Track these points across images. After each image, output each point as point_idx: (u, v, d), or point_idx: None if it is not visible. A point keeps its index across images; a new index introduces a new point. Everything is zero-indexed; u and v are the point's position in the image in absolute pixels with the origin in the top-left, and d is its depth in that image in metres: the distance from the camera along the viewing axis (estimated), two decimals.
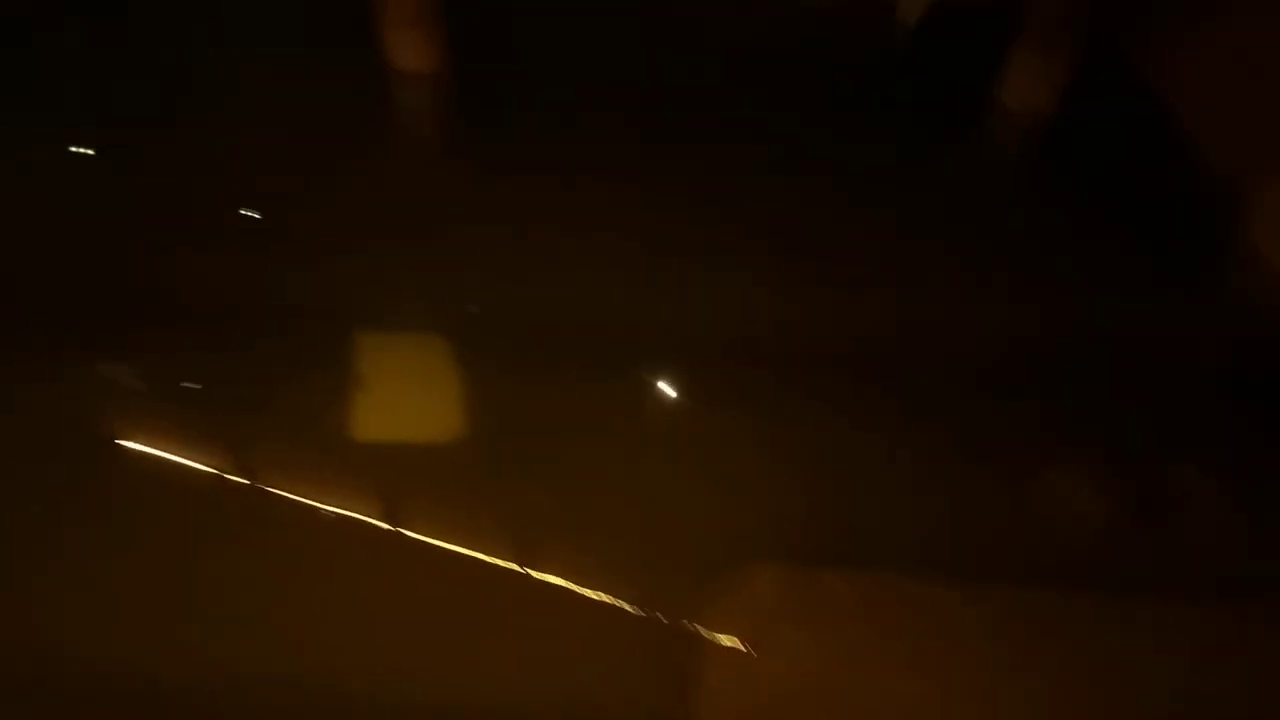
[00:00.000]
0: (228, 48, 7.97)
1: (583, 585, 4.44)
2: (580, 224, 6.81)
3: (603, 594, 4.34)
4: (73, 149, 6.49)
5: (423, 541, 5.35)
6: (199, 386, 5.74)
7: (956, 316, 5.32)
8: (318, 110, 7.69)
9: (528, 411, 6.02)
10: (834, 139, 6.66)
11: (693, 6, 8.07)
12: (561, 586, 4.65)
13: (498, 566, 5.23)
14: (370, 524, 5.30)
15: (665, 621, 4.02)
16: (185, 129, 7.19)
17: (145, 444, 5.61)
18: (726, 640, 3.73)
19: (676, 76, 7.33)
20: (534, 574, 4.63)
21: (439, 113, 7.99)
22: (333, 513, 5.23)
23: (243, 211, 6.99)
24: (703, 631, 3.89)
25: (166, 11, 8.14)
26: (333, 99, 7.80)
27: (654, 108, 6.94)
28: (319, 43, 8.17)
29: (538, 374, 6.02)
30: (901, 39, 7.88)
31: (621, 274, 6.03)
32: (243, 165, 7.21)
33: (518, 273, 6.73)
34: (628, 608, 4.16)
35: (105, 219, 6.48)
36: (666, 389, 5.47)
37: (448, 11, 7.67)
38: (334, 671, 4.30)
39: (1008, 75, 6.86)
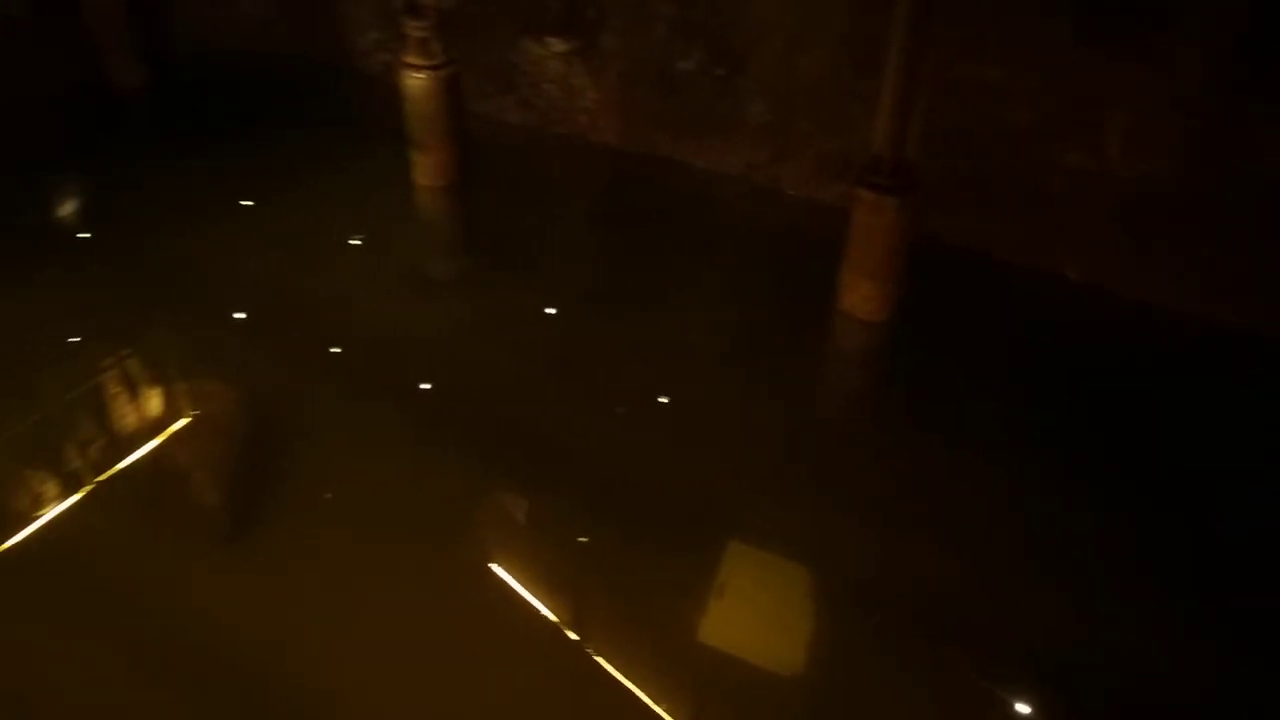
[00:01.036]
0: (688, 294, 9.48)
1: None
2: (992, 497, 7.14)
3: None
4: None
5: None
6: (585, 539, 6.50)
7: None
8: (767, 347, 8.75)
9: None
10: None
11: None
12: None
13: None
14: None
15: None
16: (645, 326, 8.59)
17: (515, 573, 6.32)
18: None
19: None
20: None
21: (878, 357, 8.49)
22: (647, 704, 5.48)
23: (660, 398, 7.99)
24: None
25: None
26: (783, 336, 8.88)
27: None
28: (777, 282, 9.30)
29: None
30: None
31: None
32: (674, 372, 8.32)
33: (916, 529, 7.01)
34: None
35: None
36: None
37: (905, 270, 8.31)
38: None
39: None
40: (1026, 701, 5.58)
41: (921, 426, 7.56)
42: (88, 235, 9.92)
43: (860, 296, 8.42)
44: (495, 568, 6.40)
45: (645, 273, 9.43)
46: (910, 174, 7.90)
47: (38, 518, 6.61)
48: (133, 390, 7.47)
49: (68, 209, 10.58)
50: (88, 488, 6.80)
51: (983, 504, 6.85)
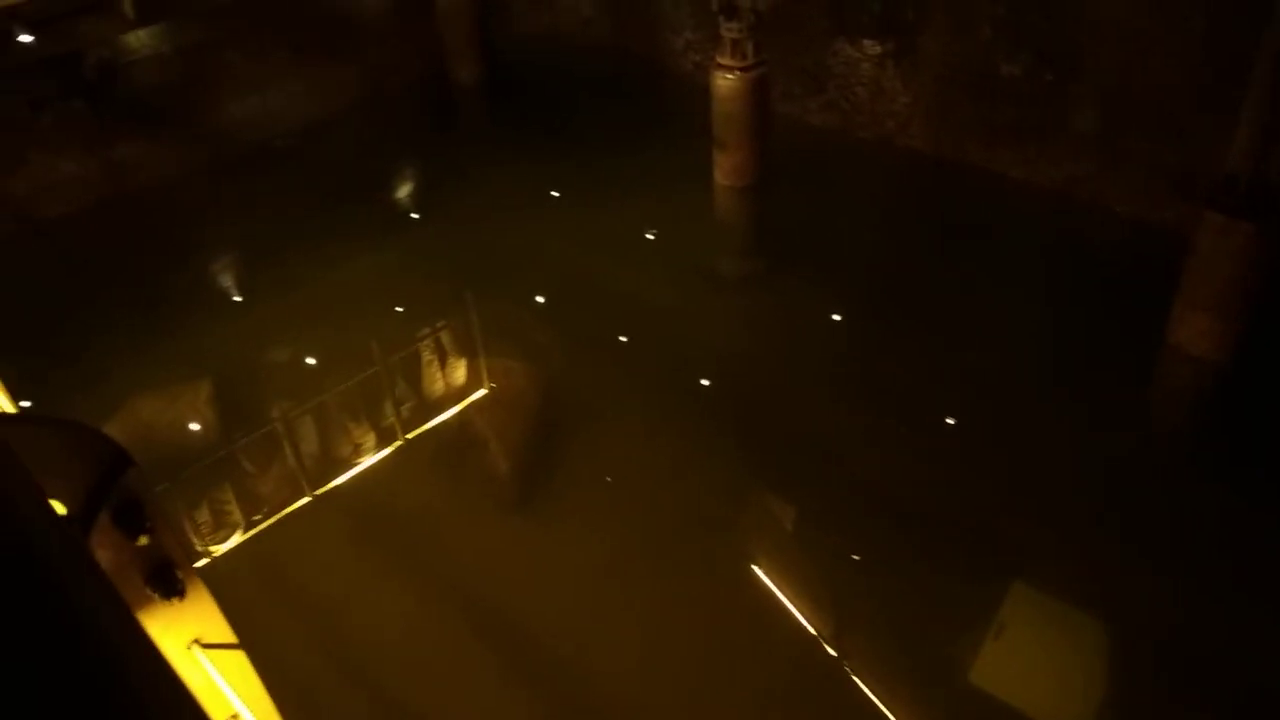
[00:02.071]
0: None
1: None
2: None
3: None
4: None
5: None
6: (856, 556, 6.27)
7: None
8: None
9: None
10: None
11: None
12: None
13: None
14: None
15: None
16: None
17: (778, 577, 6.21)
18: None
19: None
20: None
21: (1207, 401, 7.52)
22: None
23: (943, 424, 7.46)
24: None
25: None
26: (1096, 367, 8.01)
27: None
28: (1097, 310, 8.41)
29: None
30: None
31: None
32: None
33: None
34: None
35: None
36: None
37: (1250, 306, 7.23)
38: None
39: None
40: None
41: (1249, 482, 6.63)
42: (418, 216, 10.98)
43: (1195, 331, 7.49)
44: (758, 569, 6.34)
45: (944, 286, 8.96)
46: (1272, 197, 6.92)
47: (356, 464, 7.39)
48: (442, 360, 8.14)
49: (404, 191, 11.75)
50: (398, 443, 7.50)
51: None
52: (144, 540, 1.58)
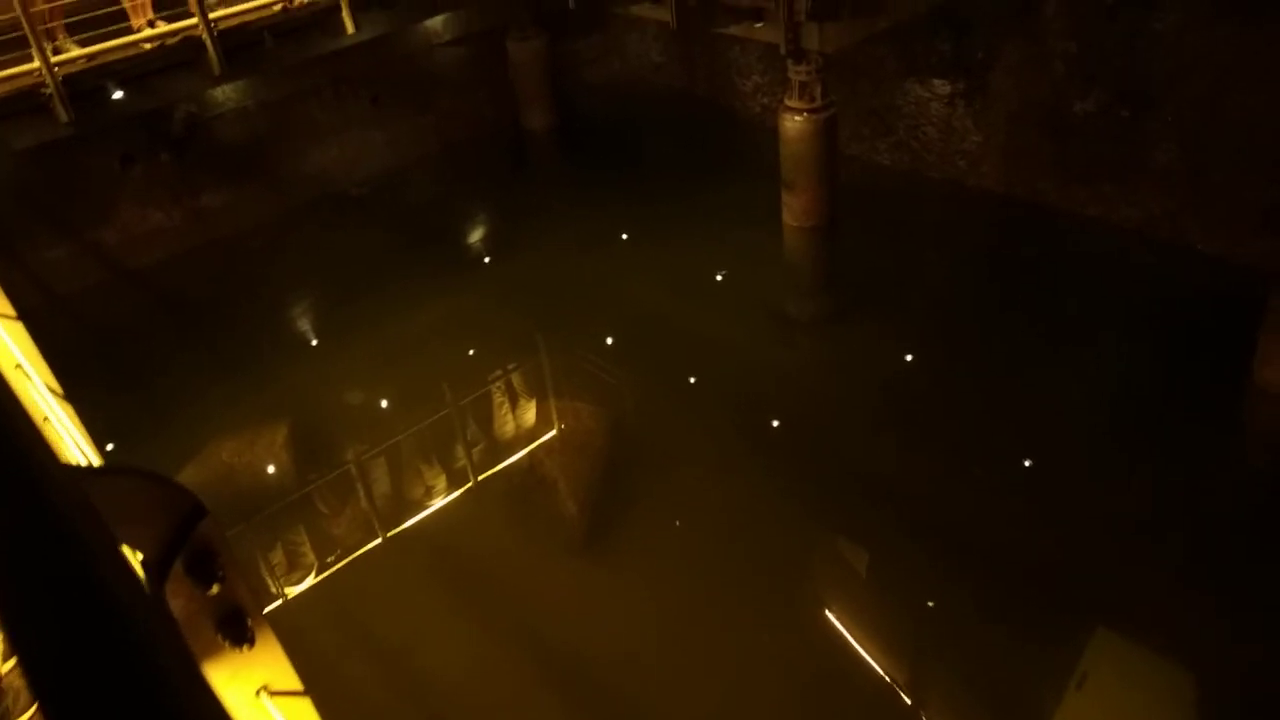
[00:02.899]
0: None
1: None
2: None
3: None
4: None
5: None
6: (931, 603, 6.11)
7: None
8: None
9: None
10: None
11: None
12: None
13: None
14: None
15: None
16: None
17: (851, 625, 6.09)
18: None
19: None
20: None
21: None
22: None
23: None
24: None
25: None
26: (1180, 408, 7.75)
27: None
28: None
29: None
30: None
31: None
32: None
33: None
34: None
35: None
36: None
37: None
38: None
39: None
40: None
41: None
42: (489, 260, 11.18)
43: None
44: (832, 616, 6.21)
45: (1019, 328, 8.76)
46: None
47: (428, 505, 7.49)
48: (512, 402, 8.24)
49: (477, 235, 11.99)
50: (468, 484, 7.58)
51: None
52: (216, 589, 1.62)
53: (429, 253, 11.15)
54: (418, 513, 7.37)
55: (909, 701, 5.51)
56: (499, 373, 8.20)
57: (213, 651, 1.65)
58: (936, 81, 10.79)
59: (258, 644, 1.70)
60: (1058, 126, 9.95)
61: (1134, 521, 6.58)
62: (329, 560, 7.02)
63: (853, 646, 5.94)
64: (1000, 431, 7.54)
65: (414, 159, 13.01)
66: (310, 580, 6.89)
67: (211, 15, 9.46)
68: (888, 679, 5.66)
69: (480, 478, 7.53)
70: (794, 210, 10.51)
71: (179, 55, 9.83)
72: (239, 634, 1.66)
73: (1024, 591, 6.14)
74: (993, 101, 10.44)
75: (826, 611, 6.19)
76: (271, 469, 7.85)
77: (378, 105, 12.70)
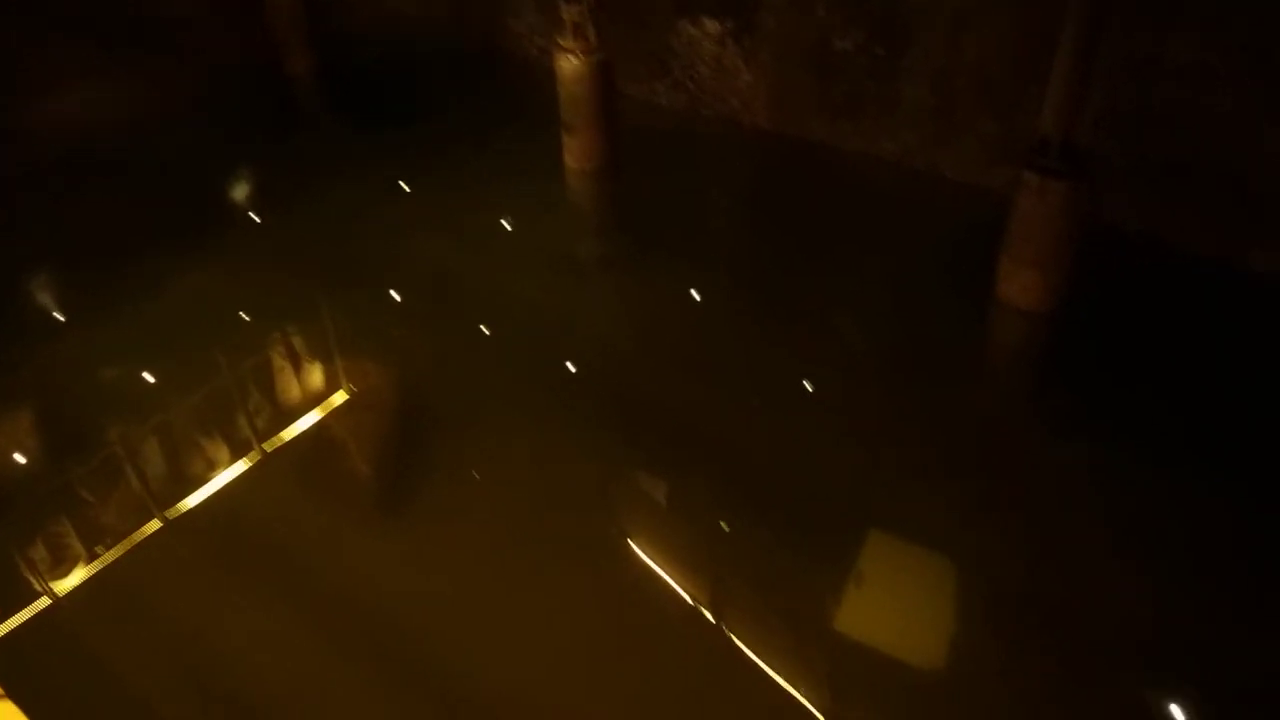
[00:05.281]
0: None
1: None
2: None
3: None
4: None
5: None
6: (726, 526, 6.41)
7: None
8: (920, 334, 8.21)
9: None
10: None
11: None
12: None
13: None
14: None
15: None
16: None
17: (654, 553, 6.29)
18: None
19: None
20: None
21: (1037, 350, 8.04)
22: (783, 688, 5.37)
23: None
24: None
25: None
26: (936, 326, 8.36)
27: None
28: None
29: None
30: None
31: None
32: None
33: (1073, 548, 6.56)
34: None
35: None
36: None
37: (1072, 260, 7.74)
38: None
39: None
40: None
41: (1081, 428, 7.12)
42: (259, 218, 10.50)
43: (1020, 286, 7.96)
44: (635, 547, 6.40)
45: (794, 258, 9.22)
46: (1081, 158, 7.39)
47: (210, 480, 7.06)
48: (295, 365, 7.85)
49: (244, 192, 11.21)
50: (254, 454, 7.20)
51: (1144, 516, 6.42)
52: None
53: (185, 212, 10.33)
54: (199, 489, 6.93)
55: (711, 619, 5.79)
56: (278, 336, 7.78)
57: None
58: (707, 21, 11.00)
59: None
60: (821, 65, 10.41)
61: (897, 433, 7.16)
62: (101, 550, 6.50)
63: (654, 570, 6.15)
64: (780, 357, 7.94)
65: (161, 110, 11.99)
66: (84, 573, 6.36)
67: None
68: (689, 600, 5.92)
69: (266, 446, 7.17)
70: (575, 153, 10.49)
71: None
72: None
73: (804, 505, 6.56)
74: (761, 41, 10.77)
75: (629, 542, 6.36)
76: (20, 459, 7.17)
77: (110, 51, 11.53)
